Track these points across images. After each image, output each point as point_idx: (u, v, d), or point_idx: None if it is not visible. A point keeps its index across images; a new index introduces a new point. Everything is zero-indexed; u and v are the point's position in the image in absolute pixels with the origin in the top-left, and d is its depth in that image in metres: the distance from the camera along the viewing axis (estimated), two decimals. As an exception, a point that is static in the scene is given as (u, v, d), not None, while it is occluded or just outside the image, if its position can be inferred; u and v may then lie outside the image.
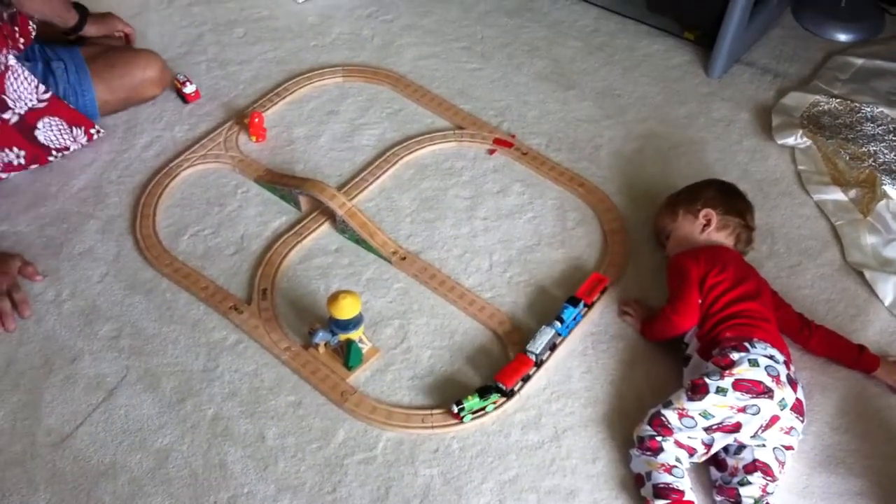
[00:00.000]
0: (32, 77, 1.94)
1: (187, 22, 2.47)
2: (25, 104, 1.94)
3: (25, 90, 1.93)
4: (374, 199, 2.02)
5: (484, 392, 1.62)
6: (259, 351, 1.73)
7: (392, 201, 2.02)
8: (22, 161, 1.99)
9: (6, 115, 1.91)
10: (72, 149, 2.06)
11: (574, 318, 1.73)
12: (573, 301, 1.74)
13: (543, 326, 1.69)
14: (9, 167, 1.98)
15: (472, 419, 1.62)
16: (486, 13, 2.53)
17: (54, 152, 2.03)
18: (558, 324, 1.70)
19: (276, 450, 1.59)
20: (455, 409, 1.60)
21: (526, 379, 1.67)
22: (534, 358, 1.66)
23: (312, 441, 1.61)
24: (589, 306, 1.77)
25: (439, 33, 2.46)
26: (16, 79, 1.91)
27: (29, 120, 1.95)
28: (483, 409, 1.62)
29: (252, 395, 1.67)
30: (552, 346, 1.70)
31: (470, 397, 1.61)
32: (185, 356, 1.72)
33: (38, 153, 2.01)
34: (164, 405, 1.65)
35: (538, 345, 1.66)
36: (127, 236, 1.93)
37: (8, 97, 1.90)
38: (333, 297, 1.61)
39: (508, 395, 1.64)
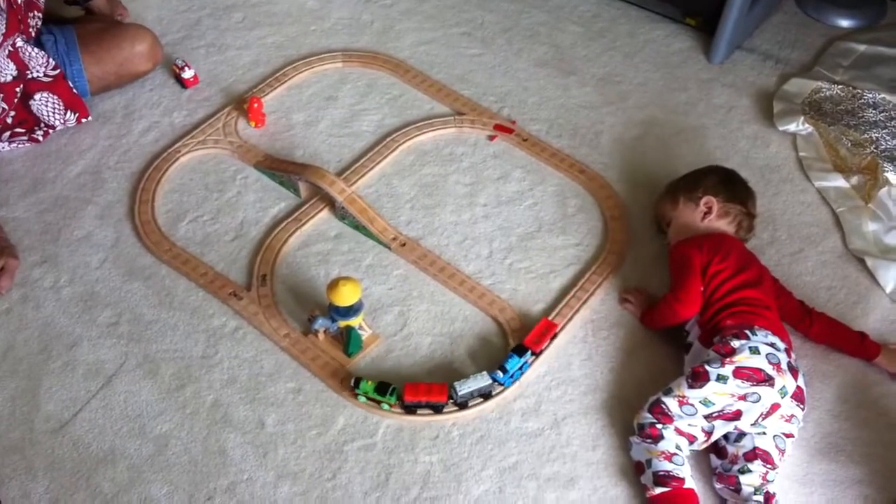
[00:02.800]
0: (43, 53, 1.98)
1: (185, 6, 2.45)
2: (33, 73, 1.97)
3: (38, 63, 1.98)
4: (374, 186, 2.01)
5: (382, 388, 1.60)
6: (258, 337, 1.73)
7: (392, 187, 2.01)
8: (9, 120, 2.00)
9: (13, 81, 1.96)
10: (57, 128, 2.07)
11: (520, 368, 1.64)
12: (520, 350, 1.65)
13: (484, 373, 1.61)
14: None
15: (367, 402, 1.62)
16: (487, -2, 2.52)
17: (42, 125, 2.05)
18: (500, 374, 1.61)
19: (276, 436, 1.59)
20: (352, 383, 1.61)
21: (436, 408, 1.60)
22: (454, 397, 1.59)
23: (312, 428, 1.60)
24: (537, 354, 1.68)
25: (439, 18, 2.45)
26: (25, 54, 1.96)
27: (29, 88, 1.98)
28: (378, 401, 1.60)
29: (251, 381, 1.66)
30: (485, 395, 1.62)
31: (370, 382, 1.60)
32: (185, 342, 1.72)
33: (27, 118, 2.02)
34: (163, 392, 1.65)
35: (464, 388, 1.58)
36: (125, 222, 1.92)
37: (28, 68, 1.97)
38: (333, 284, 1.61)
39: (405, 407, 1.61)
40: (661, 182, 1.92)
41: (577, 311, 1.76)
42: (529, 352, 1.65)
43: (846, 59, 2.33)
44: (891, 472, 1.56)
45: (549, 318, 1.73)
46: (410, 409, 1.61)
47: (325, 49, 2.33)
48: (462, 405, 1.61)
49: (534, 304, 1.79)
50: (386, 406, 1.60)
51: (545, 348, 1.69)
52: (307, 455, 1.57)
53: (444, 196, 1.99)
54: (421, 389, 1.59)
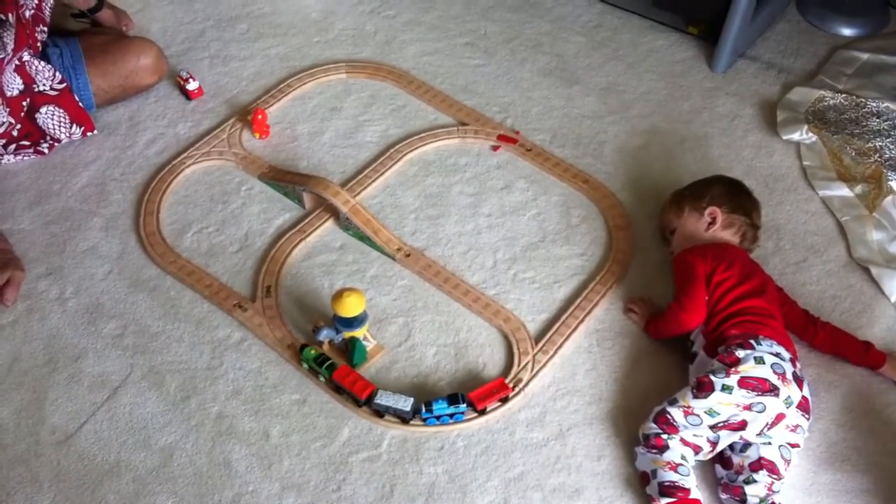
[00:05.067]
0: (50, 66, 1.99)
1: (190, 18, 2.46)
2: (39, 87, 1.99)
3: (44, 76, 1.99)
4: (378, 196, 2.01)
5: (321, 360, 1.64)
6: (263, 349, 1.73)
7: (396, 198, 2.01)
8: (14, 133, 2.00)
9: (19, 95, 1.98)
10: (62, 142, 2.08)
11: (451, 416, 1.59)
12: (453, 398, 1.60)
13: (412, 399, 1.60)
14: (6, 134, 2.00)
15: (308, 369, 1.67)
16: (490, 8, 2.52)
17: (48, 138, 2.06)
18: (424, 408, 1.59)
19: (281, 448, 1.59)
20: (299, 347, 1.67)
21: (354, 400, 1.62)
22: (370, 401, 1.61)
23: (317, 439, 1.60)
24: (479, 411, 1.62)
25: (442, 29, 2.45)
26: (31, 68, 1.97)
27: (35, 102, 1.99)
28: (315, 371, 1.65)
29: (256, 393, 1.67)
30: (402, 417, 1.60)
31: (313, 350, 1.65)
32: (190, 354, 1.72)
33: (33, 131, 2.03)
34: (168, 403, 1.65)
35: (382, 400, 1.59)
36: (130, 234, 1.93)
37: (34, 81, 1.98)
38: (338, 295, 1.61)
39: (331, 384, 1.64)
40: (665, 191, 1.92)
41: (582, 321, 1.76)
42: (466, 405, 1.61)
43: (849, 67, 2.33)
44: (897, 482, 1.56)
45: (550, 332, 1.74)
46: (338, 390, 1.64)
47: (329, 60, 2.34)
48: (378, 413, 1.62)
49: (538, 314, 1.79)
50: (322, 378, 1.65)
51: (489, 409, 1.63)
52: (312, 466, 1.57)
53: (447, 206, 1.99)
54: (350, 378, 1.62)
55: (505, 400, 1.64)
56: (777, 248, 1.92)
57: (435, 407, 1.59)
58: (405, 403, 1.59)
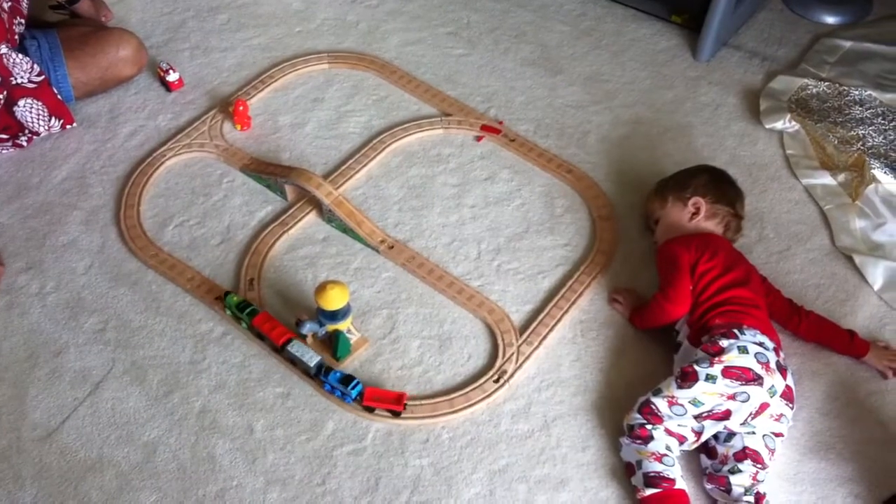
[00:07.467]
0: (28, 59, 1.96)
1: (170, 8, 2.44)
2: (17, 79, 1.96)
3: (21, 69, 1.96)
4: (361, 188, 2.00)
5: (242, 306, 1.69)
6: (246, 342, 1.72)
7: (379, 189, 2.00)
8: None
9: None
10: (41, 135, 2.05)
11: (342, 394, 1.60)
12: (347, 380, 1.60)
13: (321, 358, 1.62)
14: None
15: (231, 316, 1.73)
16: (473, -3, 2.51)
17: (26, 132, 2.03)
18: (325, 373, 1.61)
19: (265, 442, 1.58)
20: (225, 293, 1.73)
21: (273, 347, 1.67)
22: (285, 348, 1.64)
23: (301, 433, 1.60)
24: (366, 408, 1.60)
25: (425, 18, 2.44)
26: (9, 61, 1.94)
27: (13, 95, 1.96)
28: (238, 317, 1.70)
29: (240, 387, 1.66)
30: (305, 369, 1.63)
31: (235, 297, 1.71)
32: (172, 348, 1.71)
33: (11, 125, 2.01)
34: (151, 398, 1.64)
35: (294, 351, 1.62)
36: (111, 227, 1.91)
37: (12, 74, 1.95)
38: (321, 288, 1.60)
39: (252, 331, 1.68)
40: (649, 181, 1.92)
41: (566, 311, 1.76)
42: (357, 393, 1.59)
43: (832, 55, 2.33)
44: (881, 470, 1.56)
45: (536, 320, 1.74)
46: (259, 336, 1.69)
47: (311, 50, 2.32)
48: (290, 359, 1.66)
49: (523, 305, 1.79)
50: (244, 325, 1.70)
51: (374, 410, 1.61)
52: (296, 460, 1.56)
53: (431, 198, 1.98)
54: (269, 324, 1.67)
55: (396, 414, 1.60)
56: (760, 236, 1.92)
57: (330, 375, 1.61)
58: (311, 359, 1.62)
